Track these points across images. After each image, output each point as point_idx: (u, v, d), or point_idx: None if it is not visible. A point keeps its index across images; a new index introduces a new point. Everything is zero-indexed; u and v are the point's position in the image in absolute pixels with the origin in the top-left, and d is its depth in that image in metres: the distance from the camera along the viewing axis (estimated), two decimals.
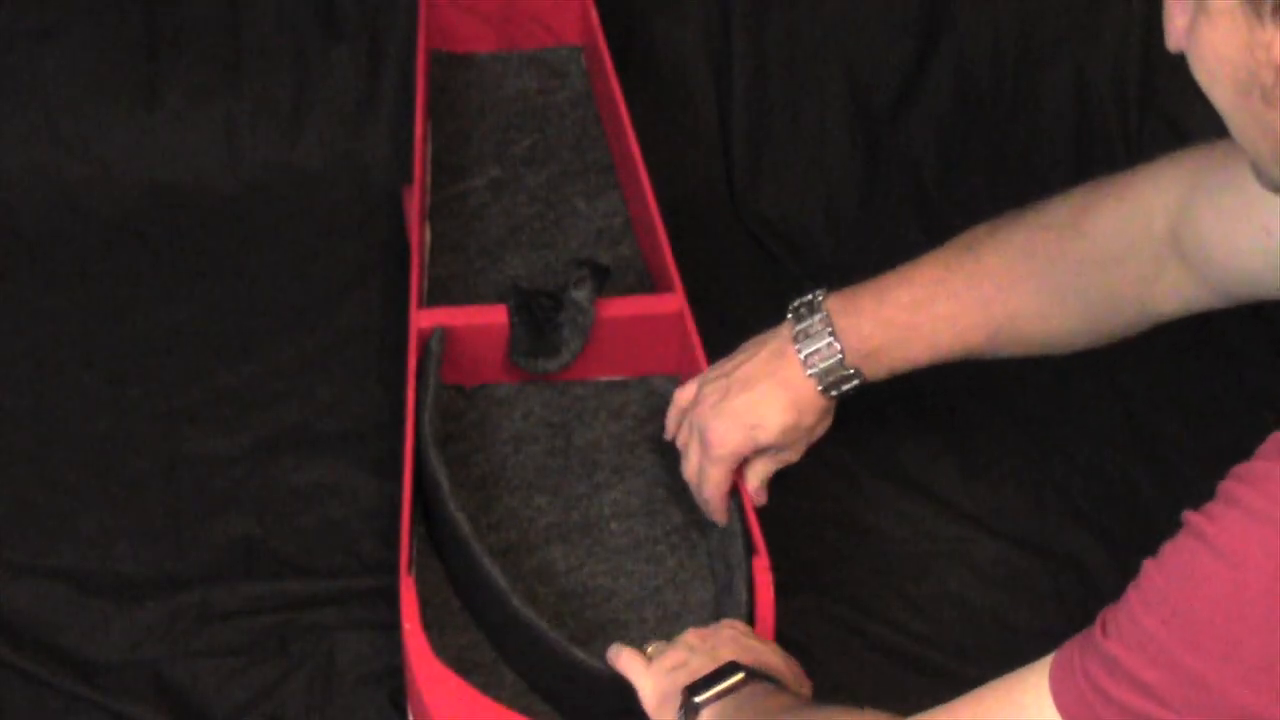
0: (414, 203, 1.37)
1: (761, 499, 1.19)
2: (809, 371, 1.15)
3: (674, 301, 1.29)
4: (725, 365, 1.18)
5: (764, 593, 1.11)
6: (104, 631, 1.22)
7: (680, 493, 1.24)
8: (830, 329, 1.14)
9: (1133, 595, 0.67)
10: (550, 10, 1.59)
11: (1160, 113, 1.69)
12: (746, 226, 1.63)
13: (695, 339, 1.27)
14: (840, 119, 1.69)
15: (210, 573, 1.27)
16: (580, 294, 1.27)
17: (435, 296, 1.36)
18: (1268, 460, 0.62)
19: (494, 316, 1.28)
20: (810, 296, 1.17)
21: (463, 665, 1.10)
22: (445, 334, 1.25)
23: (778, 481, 1.22)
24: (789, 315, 1.17)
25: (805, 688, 1.05)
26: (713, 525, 1.19)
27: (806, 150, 1.68)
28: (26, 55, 1.63)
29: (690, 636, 1.05)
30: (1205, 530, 0.64)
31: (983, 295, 1.13)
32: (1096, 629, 0.69)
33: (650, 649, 1.06)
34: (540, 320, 1.28)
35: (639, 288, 1.37)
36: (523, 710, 1.07)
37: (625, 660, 1.05)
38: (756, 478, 1.19)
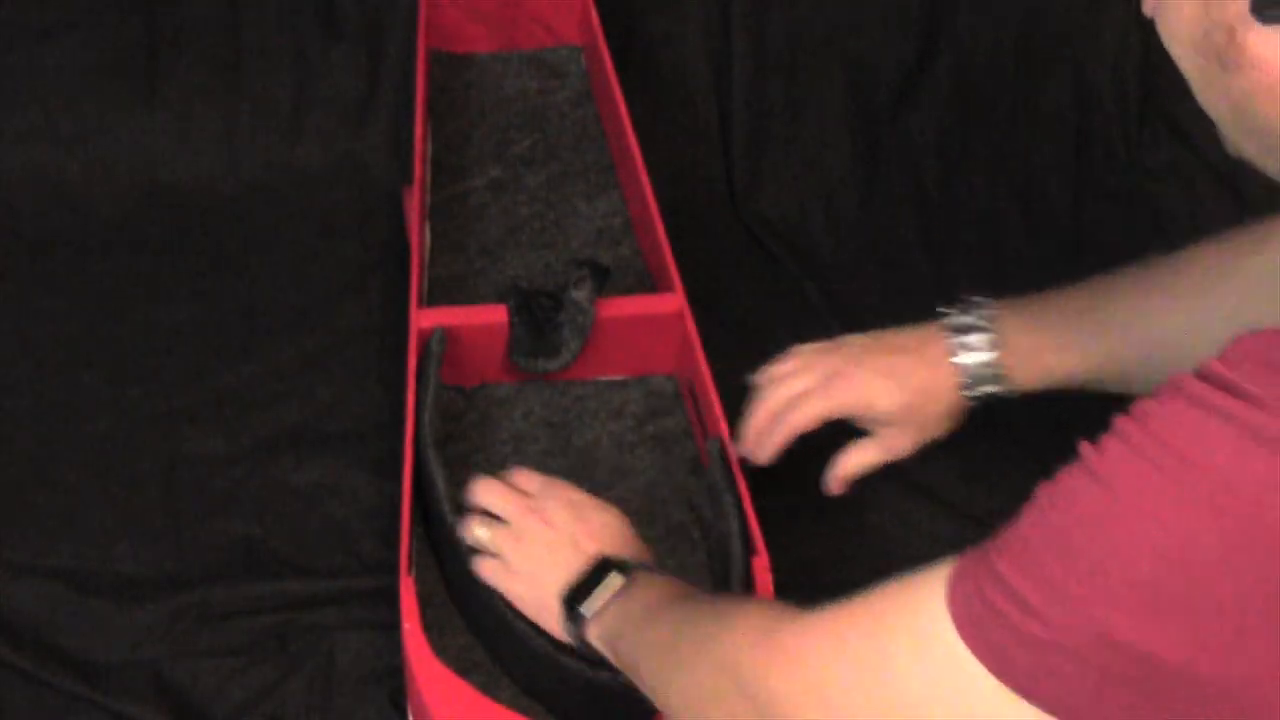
0: (414, 203, 1.37)
1: (841, 488, 1.18)
2: (954, 359, 1.13)
3: (674, 301, 1.29)
4: (865, 335, 1.17)
5: (764, 593, 1.11)
6: (104, 631, 1.22)
7: (680, 492, 1.23)
8: (990, 324, 1.13)
9: (1023, 514, 0.69)
10: (550, 10, 1.59)
11: (1160, 113, 1.69)
12: (746, 226, 1.63)
13: (695, 339, 1.27)
14: (840, 119, 1.69)
15: (210, 573, 1.27)
16: (580, 294, 1.27)
17: (435, 296, 1.36)
18: (1157, 399, 0.64)
19: (494, 316, 1.28)
20: (973, 299, 1.16)
21: (463, 665, 1.10)
22: (446, 334, 1.25)
23: (777, 481, 1.22)
24: (942, 312, 1.16)
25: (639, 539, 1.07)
26: (712, 525, 1.19)
27: (806, 150, 1.67)
28: (26, 55, 1.63)
29: (534, 525, 1.05)
30: (1089, 457, 0.66)
31: (1149, 307, 1.10)
32: (990, 544, 0.70)
33: (479, 530, 1.07)
34: (540, 320, 1.28)
35: (639, 288, 1.37)
36: (522, 710, 1.07)
37: (489, 572, 1.06)
38: (859, 465, 1.17)
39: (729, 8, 1.69)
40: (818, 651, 0.78)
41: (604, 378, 1.32)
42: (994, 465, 1.36)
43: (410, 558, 1.12)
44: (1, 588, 1.25)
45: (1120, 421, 0.65)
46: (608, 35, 1.52)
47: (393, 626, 1.12)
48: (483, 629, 1.13)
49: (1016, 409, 1.41)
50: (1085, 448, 0.66)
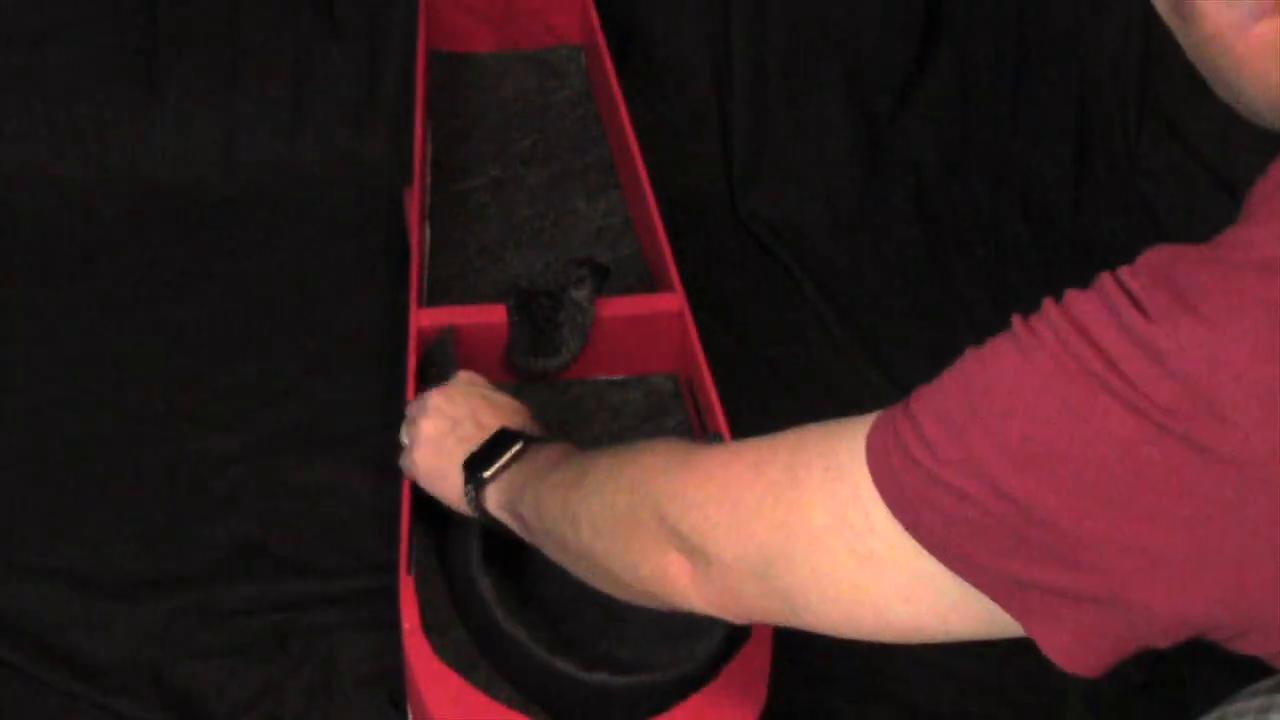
0: (414, 203, 1.37)
1: None
2: None
3: (674, 301, 1.29)
4: None
5: None
6: (104, 631, 1.22)
7: None
8: None
9: (949, 367, 0.72)
10: (550, 10, 1.59)
11: (1160, 113, 1.70)
12: (746, 226, 1.63)
13: (695, 339, 1.27)
14: (840, 119, 1.69)
15: (210, 573, 1.27)
16: (580, 294, 1.27)
17: (435, 296, 1.35)
18: (1084, 291, 0.67)
19: (494, 316, 1.28)
20: None
21: (463, 665, 1.10)
22: (454, 331, 1.25)
23: None
24: None
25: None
26: None
27: (806, 150, 1.68)
28: (26, 55, 1.63)
29: (436, 402, 1.07)
30: (1018, 329, 0.69)
31: None
32: (913, 395, 0.72)
33: (401, 435, 1.09)
34: (540, 320, 1.28)
35: (639, 287, 1.37)
36: (522, 710, 1.06)
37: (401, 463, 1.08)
38: None
39: (729, 8, 1.69)
40: (736, 472, 0.80)
41: (604, 378, 1.32)
42: None
43: (410, 558, 1.12)
44: (1, 588, 1.25)
45: (1048, 304, 0.68)
46: (608, 35, 1.52)
47: (393, 626, 1.12)
48: (481, 633, 1.13)
49: None
50: (1017, 321, 0.69)
